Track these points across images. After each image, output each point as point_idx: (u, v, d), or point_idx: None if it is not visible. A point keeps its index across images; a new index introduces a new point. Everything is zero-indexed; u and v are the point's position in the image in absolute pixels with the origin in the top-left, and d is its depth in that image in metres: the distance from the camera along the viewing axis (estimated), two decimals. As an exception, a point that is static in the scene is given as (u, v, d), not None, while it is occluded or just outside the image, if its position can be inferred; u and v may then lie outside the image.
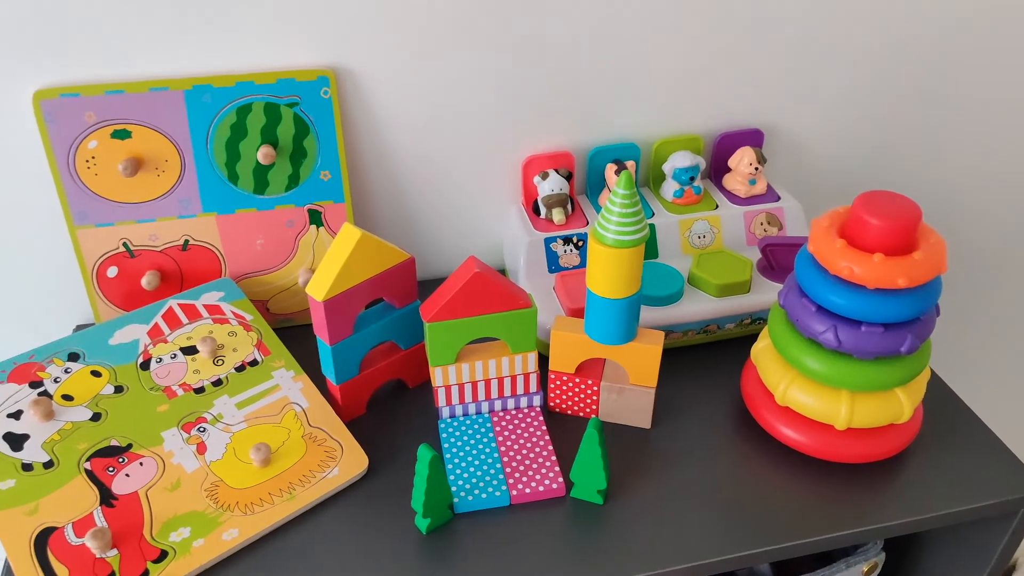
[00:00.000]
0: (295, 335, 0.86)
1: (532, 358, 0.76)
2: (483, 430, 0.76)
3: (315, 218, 0.86)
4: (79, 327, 0.90)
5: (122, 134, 0.78)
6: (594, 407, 0.78)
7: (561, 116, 0.90)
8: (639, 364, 0.74)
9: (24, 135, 0.78)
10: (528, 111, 0.89)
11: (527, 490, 0.70)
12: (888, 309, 0.63)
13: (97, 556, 0.63)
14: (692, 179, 0.90)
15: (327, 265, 0.71)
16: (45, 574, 0.62)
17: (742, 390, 0.79)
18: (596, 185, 0.92)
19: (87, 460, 0.69)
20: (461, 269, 0.71)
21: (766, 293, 0.84)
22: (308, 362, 0.82)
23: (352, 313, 0.73)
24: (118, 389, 0.75)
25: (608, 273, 0.68)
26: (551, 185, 0.88)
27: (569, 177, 0.89)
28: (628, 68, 0.89)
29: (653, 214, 0.89)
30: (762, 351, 0.75)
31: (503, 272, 0.96)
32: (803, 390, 0.71)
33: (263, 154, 0.80)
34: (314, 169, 0.83)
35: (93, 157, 0.78)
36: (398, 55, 0.82)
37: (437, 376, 0.75)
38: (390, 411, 0.80)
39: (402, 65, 0.83)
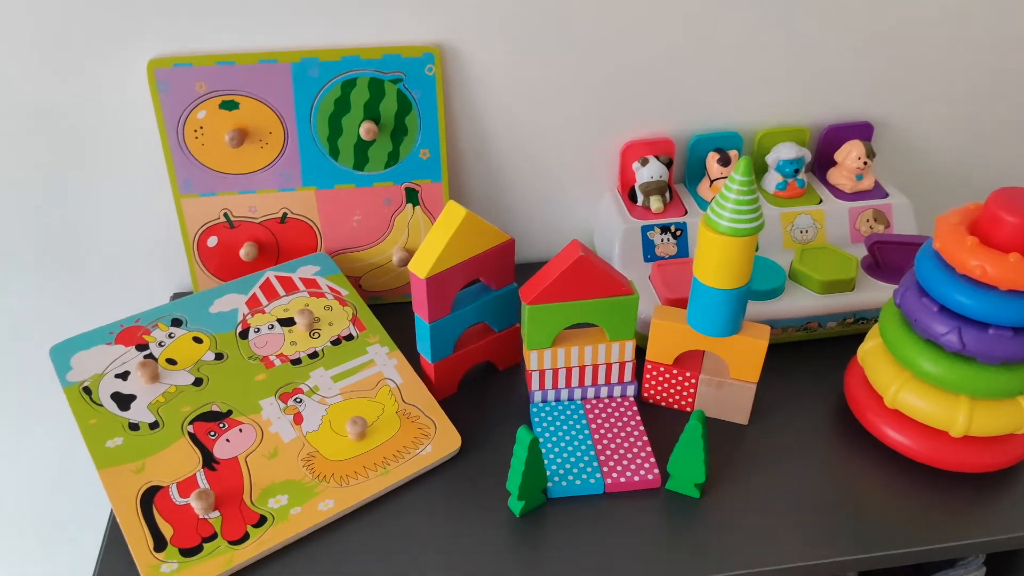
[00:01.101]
0: (386, 313, 0.86)
1: (630, 347, 0.74)
2: (575, 416, 0.75)
3: (412, 196, 0.85)
4: (176, 295, 0.92)
5: (230, 105, 0.79)
6: (690, 400, 0.76)
7: (663, 102, 0.88)
8: (742, 358, 0.72)
9: (137, 103, 0.80)
10: (630, 96, 0.87)
11: (622, 479, 0.69)
12: (1022, 312, 0.60)
13: (200, 517, 0.64)
14: (796, 172, 0.87)
15: (430, 242, 0.70)
16: (151, 530, 0.63)
17: (845, 390, 0.76)
18: (695, 174, 0.90)
19: (190, 423, 0.70)
20: (564, 252, 0.70)
21: (871, 292, 0.81)
22: (399, 340, 0.82)
23: (451, 292, 0.72)
24: (218, 356, 0.76)
25: (719, 262, 0.66)
26: (651, 172, 0.86)
27: (669, 164, 0.87)
28: (734, 54, 0.86)
29: (754, 206, 0.87)
30: (871, 351, 0.72)
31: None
32: (917, 393, 0.68)
33: (365, 129, 0.80)
34: (414, 147, 0.83)
35: (201, 127, 0.79)
36: (503, 34, 0.81)
37: (532, 359, 0.74)
38: (480, 392, 0.79)
39: (506, 44, 0.82)
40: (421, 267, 0.70)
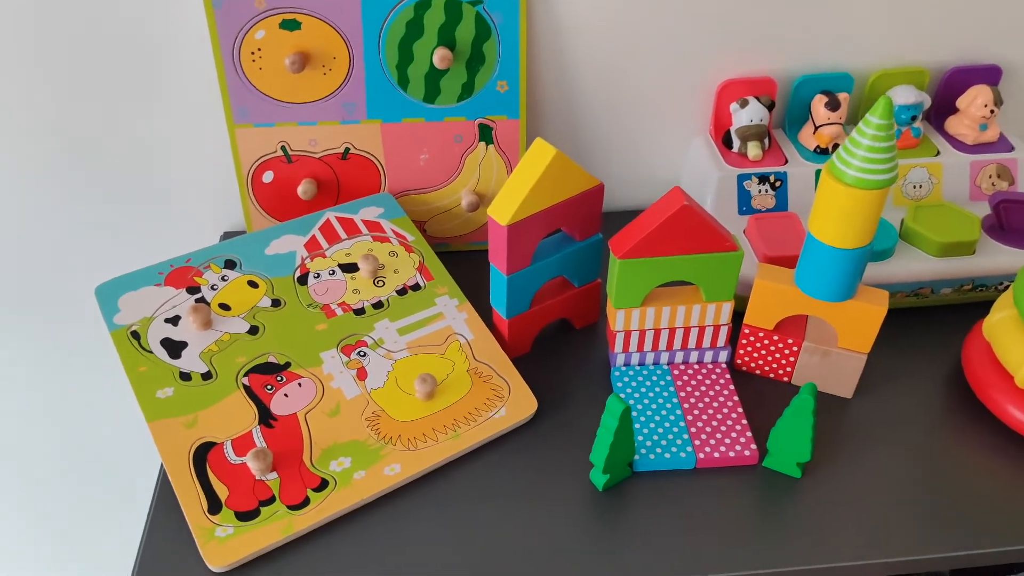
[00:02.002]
0: (452, 261, 0.79)
1: (727, 308, 0.67)
2: (662, 383, 0.68)
3: (485, 134, 0.78)
4: (227, 234, 0.86)
5: (291, 24, 0.72)
6: (789, 369, 0.69)
7: (765, 36, 0.79)
8: (854, 325, 0.64)
9: (190, 21, 0.73)
10: (729, 28, 0.78)
11: (715, 454, 0.63)
12: None
13: (257, 478, 0.59)
14: (913, 119, 0.78)
15: (513, 184, 0.63)
16: (204, 491, 0.58)
17: (964, 365, 0.68)
18: (797, 119, 0.81)
19: (245, 375, 0.65)
20: (664, 200, 0.63)
21: (995, 256, 0.72)
22: (467, 292, 0.75)
23: (533, 242, 0.65)
24: (275, 303, 0.70)
25: (841, 217, 0.58)
26: (750, 114, 0.77)
27: (771, 107, 0.78)
28: (848, -15, 0.77)
29: (863, 156, 0.78)
30: (1000, 324, 0.64)
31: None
32: (1059, 374, 0.60)
33: (439, 57, 0.72)
34: (491, 78, 0.75)
35: (259, 49, 0.72)
36: (594, -47, 0.73)
37: (618, 319, 0.67)
38: (555, 352, 0.73)
39: (597, -35, 0.73)
40: (502, 213, 0.63)
